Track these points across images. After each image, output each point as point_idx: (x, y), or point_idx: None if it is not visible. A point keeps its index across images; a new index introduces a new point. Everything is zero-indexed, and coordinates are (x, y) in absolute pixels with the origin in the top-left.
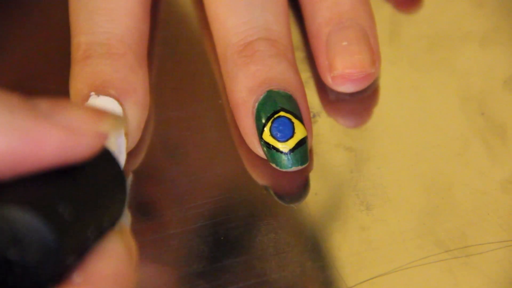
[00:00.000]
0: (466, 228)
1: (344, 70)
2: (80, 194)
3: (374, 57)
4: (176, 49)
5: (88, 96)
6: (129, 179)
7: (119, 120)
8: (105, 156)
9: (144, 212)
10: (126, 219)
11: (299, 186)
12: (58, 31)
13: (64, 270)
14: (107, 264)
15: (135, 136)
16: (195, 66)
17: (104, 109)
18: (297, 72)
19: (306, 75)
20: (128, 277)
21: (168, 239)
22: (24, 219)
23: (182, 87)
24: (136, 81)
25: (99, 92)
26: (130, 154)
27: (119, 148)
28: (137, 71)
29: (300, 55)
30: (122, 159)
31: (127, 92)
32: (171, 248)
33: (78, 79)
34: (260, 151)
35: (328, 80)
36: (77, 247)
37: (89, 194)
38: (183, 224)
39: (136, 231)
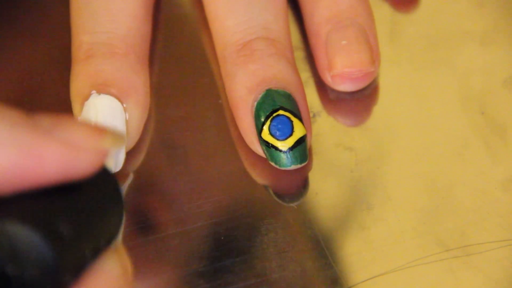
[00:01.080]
0: (466, 228)
1: (343, 69)
2: (80, 212)
3: (374, 56)
4: (176, 49)
5: (89, 95)
6: (129, 178)
7: (119, 137)
8: (103, 174)
9: (144, 212)
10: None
11: (299, 186)
12: (58, 31)
13: (60, 286)
14: (103, 283)
15: (135, 136)
16: (195, 66)
17: (105, 126)
18: (296, 72)
19: (305, 75)
20: None
21: (168, 239)
22: (24, 234)
23: (181, 87)
24: (138, 81)
25: (100, 91)
26: (130, 154)
27: (117, 163)
28: (139, 72)
29: (299, 54)
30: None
31: (129, 91)
32: (171, 248)
33: (80, 78)
34: (259, 150)
35: (328, 79)
36: (74, 265)
37: (88, 212)
38: (183, 224)
39: (136, 231)
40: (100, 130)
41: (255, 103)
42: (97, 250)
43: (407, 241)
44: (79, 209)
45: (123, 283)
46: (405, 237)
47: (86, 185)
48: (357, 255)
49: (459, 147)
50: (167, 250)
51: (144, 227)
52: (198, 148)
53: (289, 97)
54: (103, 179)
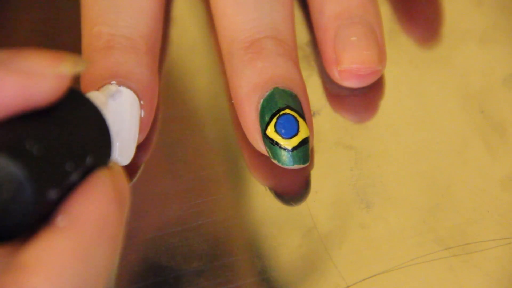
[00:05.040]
0: (466, 226)
1: (351, 64)
2: (49, 131)
3: (381, 55)
4: (176, 48)
5: (108, 84)
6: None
7: (78, 62)
8: (76, 98)
9: (144, 210)
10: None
11: (300, 185)
12: (58, 28)
13: (45, 205)
14: (92, 205)
15: (144, 133)
16: (195, 64)
17: (63, 53)
18: (300, 74)
19: (304, 73)
20: (117, 219)
21: (168, 237)
22: None
23: (182, 85)
24: (153, 81)
25: (121, 83)
26: None
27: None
28: (154, 72)
29: (298, 54)
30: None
31: (147, 89)
32: (171, 246)
33: (100, 66)
34: (262, 147)
35: (335, 74)
36: (54, 180)
37: (59, 131)
38: (183, 222)
39: (137, 229)
40: (57, 56)
41: (261, 100)
42: (84, 168)
43: (407, 240)
44: (49, 129)
45: (115, 204)
46: (404, 236)
47: (57, 110)
48: (357, 254)
49: (458, 145)
50: (167, 249)
51: (144, 225)
52: (198, 146)
53: (295, 97)
54: (79, 105)
